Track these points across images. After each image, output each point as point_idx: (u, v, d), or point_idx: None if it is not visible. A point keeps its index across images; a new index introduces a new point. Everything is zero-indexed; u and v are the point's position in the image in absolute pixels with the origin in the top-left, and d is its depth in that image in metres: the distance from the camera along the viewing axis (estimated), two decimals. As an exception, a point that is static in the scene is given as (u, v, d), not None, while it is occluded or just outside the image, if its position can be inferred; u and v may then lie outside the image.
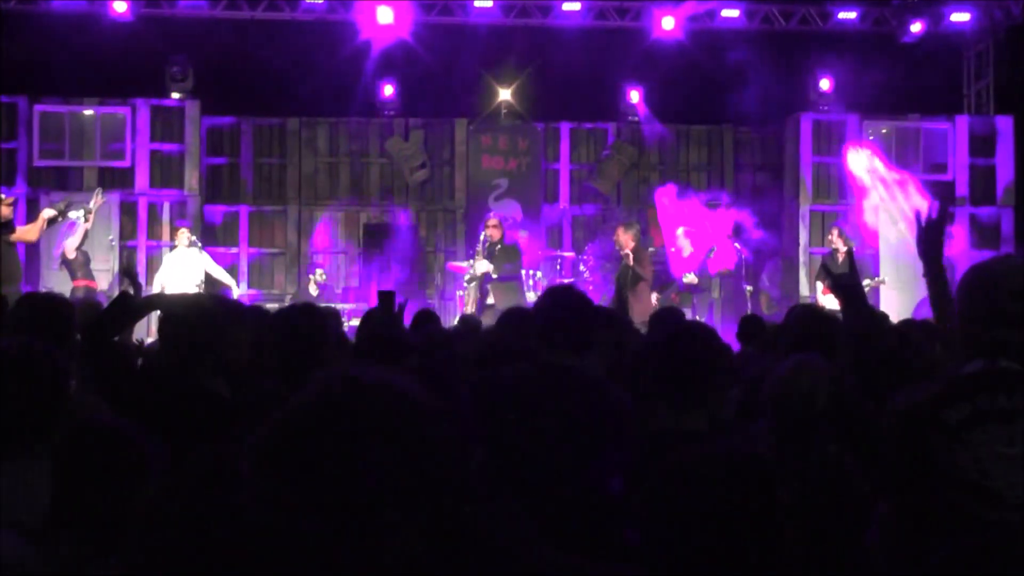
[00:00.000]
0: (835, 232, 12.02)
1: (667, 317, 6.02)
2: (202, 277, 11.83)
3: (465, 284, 11.20)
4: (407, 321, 5.96)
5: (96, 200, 11.04)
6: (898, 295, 12.60)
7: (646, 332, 5.50)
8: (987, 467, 2.11)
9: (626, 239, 10.50)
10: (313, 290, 12.40)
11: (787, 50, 13.45)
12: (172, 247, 12.13)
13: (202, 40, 13.06)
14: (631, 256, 10.40)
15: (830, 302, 11.18)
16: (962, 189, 13.70)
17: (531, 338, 3.50)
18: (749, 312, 10.18)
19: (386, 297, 5.03)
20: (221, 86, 13.27)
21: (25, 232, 10.44)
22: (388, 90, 13.52)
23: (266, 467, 1.28)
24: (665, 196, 13.13)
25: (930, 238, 2.97)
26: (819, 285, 12.06)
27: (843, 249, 11.71)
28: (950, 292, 2.89)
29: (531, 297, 11.08)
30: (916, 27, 13.34)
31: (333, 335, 3.62)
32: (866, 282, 11.08)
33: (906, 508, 2.22)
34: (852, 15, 13.47)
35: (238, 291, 11.78)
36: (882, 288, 12.63)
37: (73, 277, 10.86)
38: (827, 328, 4.51)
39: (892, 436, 2.28)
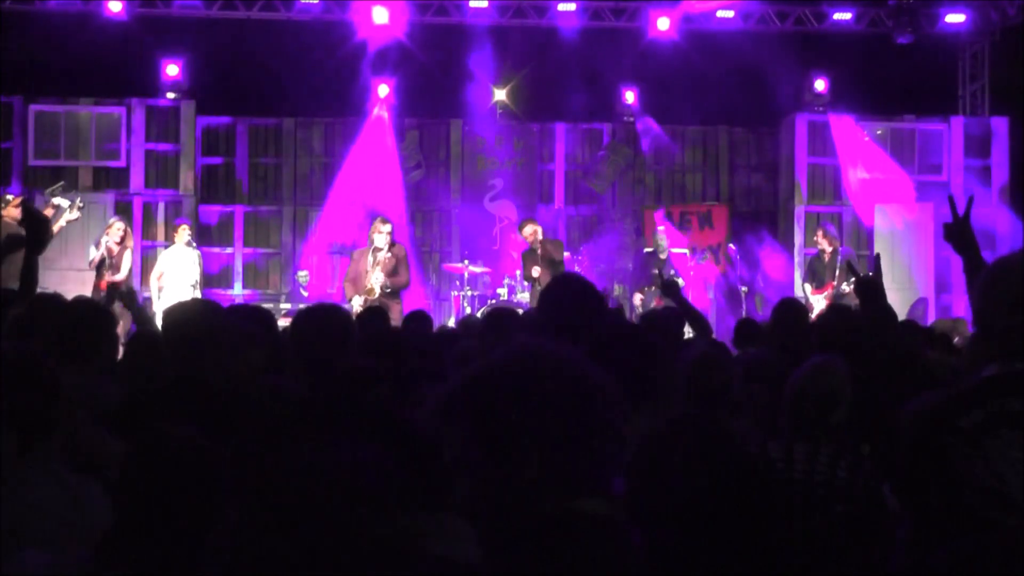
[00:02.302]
0: (820, 232, 12.02)
1: (655, 317, 5.96)
2: (197, 277, 11.71)
3: (358, 298, 9.90)
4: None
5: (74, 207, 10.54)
6: (893, 297, 12.54)
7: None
8: (1002, 472, 2.10)
9: (532, 234, 10.98)
10: (303, 291, 12.36)
11: (782, 51, 13.34)
12: (168, 244, 12.05)
13: (197, 40, 13.03)
14: (540, 245, 10.89)
15: (819, 303, 11.25)
16: (957, 190, 13.51)
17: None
18: (744, 315, 10.20)
19: (375, 313, 5.07)
20: (216, 86, 13.24)
21: None
22: (384, 90, 13.48)
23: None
24: None
25: (956, 233, 3.00)
26: (807, 287, 12.05)
27: (829, 249, 11.70)
28: None
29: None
30: (911, 28, 13.30)
31: (355, 332, 3.64)
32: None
33: (921, 512, 2.21)
34: (847, 16, 13.46)
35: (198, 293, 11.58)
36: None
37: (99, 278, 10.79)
38: (808, 322, 4.71)
39: (909, 441, 2.29)
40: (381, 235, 10.14)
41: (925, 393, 2.60)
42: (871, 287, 3.61)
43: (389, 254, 10.03)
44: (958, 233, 3.01)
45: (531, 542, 1.46)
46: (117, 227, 11.02)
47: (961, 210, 3.06)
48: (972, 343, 2.53)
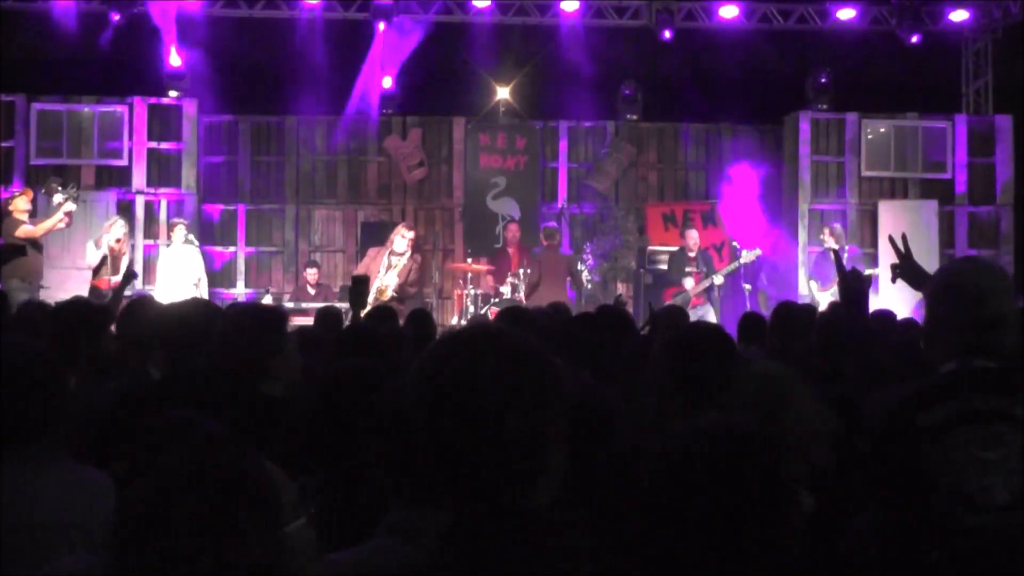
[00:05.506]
0: (827, 230, 11.92)
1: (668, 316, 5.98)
2: (200, 275, 11.79)
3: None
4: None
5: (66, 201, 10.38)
6: (900, 294, 12.44)
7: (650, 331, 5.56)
8: (961, 470, 2.10)
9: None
10: (310, 289, 12.30)
11: (785, 48, 13.40)
12: (167, 244, 12.10)
13: (200, 38, 12.98)
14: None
15: (825, 300, 11.16)
16: (960, 187, 13.62)
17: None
18: (748, 309, 10.15)
19: (359, 282, 5.11)
20: (219, 84, 13.14)
21: (29, 232, 10.12)
22: (387, 82, 13.45)
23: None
24: None
25: (904, 271, 3.18)
26: (814, 284, 11.99)
27: (836, 247, 11.56)
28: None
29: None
30: (915, 26, 13.22)
31: (283, 340, 3.40)
32: (867, 272, 10.97)
33: (887, 511, 2.21)
34: (851, 13, 13.39)
35: (205, 291, 11.73)
36: (885, 287, 12.51)
37: (93, 277, 10.80)
38: (806, 324, 4.75)
39: (872, 438, 2.29)
40: (403, 240, 10.20)
41: (891, 387, 2.61)
42: (856, 292, 3.47)
43: (408, 261, 10.07)
44: (906, 269, 3.15)
45: (487, 538, 1.42)
46: (120, 225, 10.97)
47: (902, 249, 3.18)
48: (927, 342, 2.50)
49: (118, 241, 10.80)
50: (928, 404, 2.19)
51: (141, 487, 1.44)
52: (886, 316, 6.23)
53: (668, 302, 11.02)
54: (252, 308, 3.71)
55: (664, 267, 12.39)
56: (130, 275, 7.18)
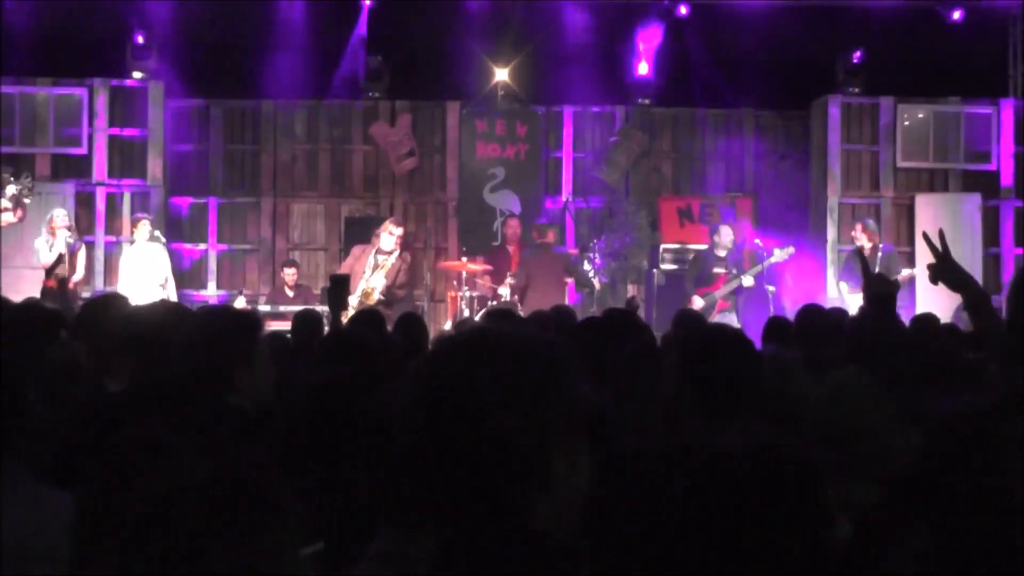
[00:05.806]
0: (859, 227, 11.33)
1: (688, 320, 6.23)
2: (167, 275, 11.54)
3: (352, 298, 9.66)
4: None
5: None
6: (939, 296, 11.72)
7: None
8: None
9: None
10: (289, 291, 11.90)
11: (814, 26, 12.87)
12: (131, 241, 11.78)
13: (167, 14, 12.60)
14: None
15: (856, 303, 10.48)
16: (1007, 180, 13.07)
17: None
18: (772, 313, 9.56)
19: (339, 282, 5.08)
20: (188, 65, 12.78)
21: None
22: (373, 62, 13.07)
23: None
24: None
25: (942, 271, 3.09)
26: (844, 286, 11.55)
27: (869, 245, 11.06)
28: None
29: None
30: (957, 1, 12.77)
31: (253, 348, 3.33)
32: (904, 272, 10.81)
33: (945, 521, 2.15)
34: (886, -13, 12.90)
35: (172, 292, 11.64)
36: (923, 289, 11.82)
37: (46, 277, 10.65)
38: (833, 329, 4.86)
39: (942, 446, 2.25)
40: (391, 237, 10.30)
41: (958, 394, 2.64)
42: (880, 297, 3.49)
43: (397, 260, 10.18)
44: (945, 271, 3.09)
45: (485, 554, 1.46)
46: (64, 217, 10.83)
47: (939, 247, 3.14)
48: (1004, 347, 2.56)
49: (71, 231, 10.76)
50: (1010, 413, 2.19)
51: (141, 488, 1.51)
52: (928, 320, 6.23)
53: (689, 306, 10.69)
54: (222, 311, 3.81)
55: (681, 267, 12.05)
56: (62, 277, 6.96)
